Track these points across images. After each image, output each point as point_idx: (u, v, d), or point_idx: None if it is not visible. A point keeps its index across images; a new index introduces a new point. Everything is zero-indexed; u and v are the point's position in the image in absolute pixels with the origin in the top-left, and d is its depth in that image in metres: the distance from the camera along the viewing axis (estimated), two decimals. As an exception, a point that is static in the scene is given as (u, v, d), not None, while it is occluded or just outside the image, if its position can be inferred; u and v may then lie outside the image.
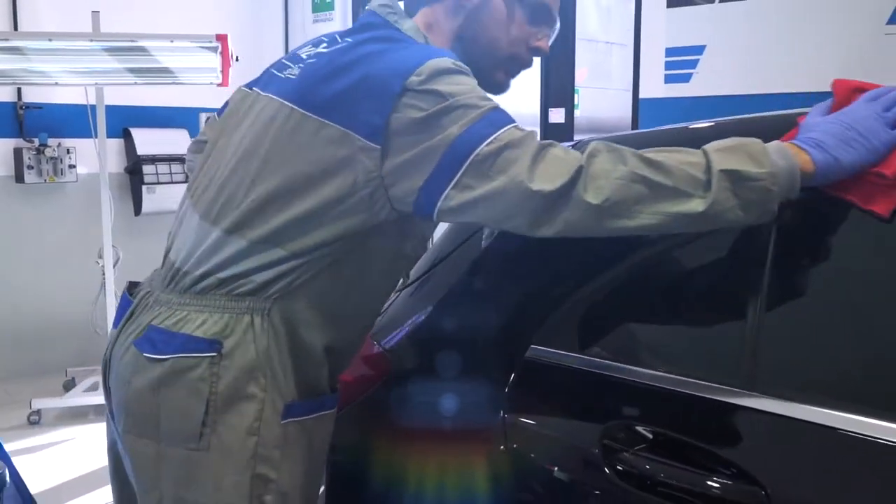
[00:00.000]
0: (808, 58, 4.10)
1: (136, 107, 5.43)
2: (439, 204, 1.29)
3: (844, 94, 1.32)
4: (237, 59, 4.70)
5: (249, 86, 1.57)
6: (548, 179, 1.23)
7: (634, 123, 4.84)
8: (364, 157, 1.31)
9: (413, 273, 1.73)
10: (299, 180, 1.35)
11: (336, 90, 1.34)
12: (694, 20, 4.48)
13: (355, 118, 1.31)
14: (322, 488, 1.62)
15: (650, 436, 1.28)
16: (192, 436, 1.34)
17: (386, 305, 1.71)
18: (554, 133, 5.23)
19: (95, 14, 4.43)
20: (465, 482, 1.58)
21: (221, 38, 4.51)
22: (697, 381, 1.27)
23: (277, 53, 6.20)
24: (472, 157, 1.26)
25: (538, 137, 1.29)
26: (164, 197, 5.41)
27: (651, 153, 1.23)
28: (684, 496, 1.19)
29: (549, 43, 1.59)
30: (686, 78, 4.54)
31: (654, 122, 4.65)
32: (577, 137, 5.02)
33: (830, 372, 1.22)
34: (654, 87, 4.65)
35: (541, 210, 1.24)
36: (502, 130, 1.28)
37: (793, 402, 1.17)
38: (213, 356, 1.34)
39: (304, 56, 1.48)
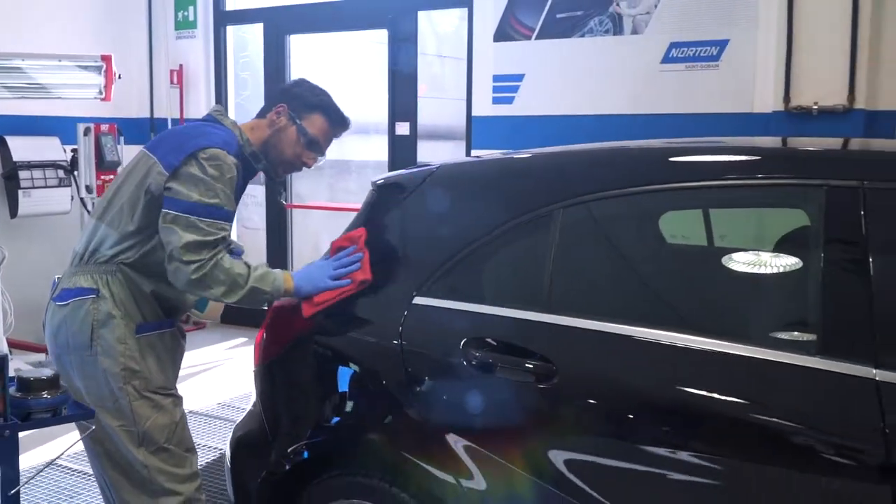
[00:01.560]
0: (605, 87, 5.14)
1: (10, 116, 5.79)
2: (166, 211, 2.35)
3: (340, 244, 2.45)
4: (119, 77, 5.21)
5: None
6: (195, 254, 2.32)
7: (468, 135, 5.72)
8: (157, 181, 2.37)
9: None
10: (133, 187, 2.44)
11: (166, 141, 2.47)
12: (515, 53, 5.43)
13: (169, 155, 2.37)
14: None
15: (494, 343, 2.13)
16: (85, 345, 2.39)
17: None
18: (401, 144, 6.06)
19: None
20: (372, 390, 2.37)
21: (106, 59, 5.02)
22: (511, 309, 2.13)
23: (142, 69, 6.69)
24: (186, 213, 2.32)
25: (227, 235, 2.38)
26: (40, 200, 5.81)
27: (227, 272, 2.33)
28: (509, 368, 2.05)
29: (316, 164, 2.64)
30: (510, 100, 5.49)
31: (485, 136, 5.58)
32: (419, 143, 5.87)
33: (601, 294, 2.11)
34: (484, 106, 5.57)
35: (182, 251, 2.31)
36: (212, 220, 2.33)
37: (578, 317, 2.05)
38: (93, 297, 2.40)
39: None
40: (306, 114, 2.57)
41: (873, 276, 1.83)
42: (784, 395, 1.84)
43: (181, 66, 6.74)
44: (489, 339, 2.15)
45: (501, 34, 5.47)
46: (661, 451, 1.91)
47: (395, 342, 2.26)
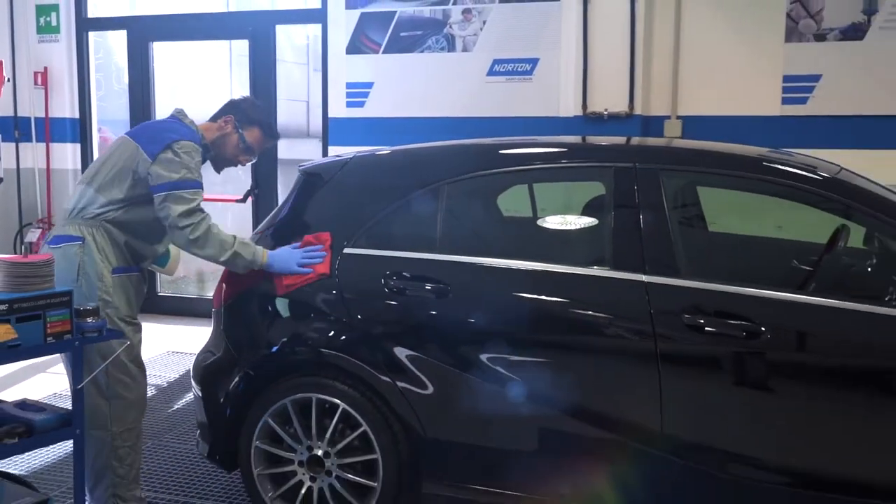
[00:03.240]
0: (441, 94, 6.24)
1: None
2: (157, 194, 3.15)
3: (308, 240, 3.29)
4: (8, 80, 5.69)
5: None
6: (191, 217, 3.16)
7: (325, 134, 6.65)
8: (142, 165, 3.16)
9: (275, 218, 3.44)
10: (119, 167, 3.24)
11: (146, 133, 3.27)
12: (365, 64, 6.43)
13: (150, 145, 3.17)
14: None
15: (408, 275, 3.14)
16: (72, 279, 3.08)
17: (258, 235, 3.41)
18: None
19: None
20: (316, 313, 3.31)
21: (-6, 63, 5.48)
22: (415, 252, 3.16)
23: (5, 69, 7.09)
24: (174, 189, 3.12)
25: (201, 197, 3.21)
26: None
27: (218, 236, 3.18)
28: (417, 290, 3.08)
29: (250, 163, 3.58)
30: (361, 104, 6.48)
31: (340, 135, 6.53)
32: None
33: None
34: (339, 109, 6.53)
35: (179, 218, 3.14)
36: (193, 190, 3.16)
37: (460, 255, 3.11)
38: (80, 243, 3.16)
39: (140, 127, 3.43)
40: (247, 126, 3.42)
41: (642, 224, 3.01)
42: (594, 293, 2.99)
43: (46, 68, 7.20)
44: (404, 273, 3.17)
45: (353, 48, 6.44)
46: (523, 335, 3.01)
47: (335, 279, 3.23)
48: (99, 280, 3.16)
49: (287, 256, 3.27)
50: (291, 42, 10.12)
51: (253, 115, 3.45)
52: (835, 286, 3.07)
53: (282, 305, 3.34)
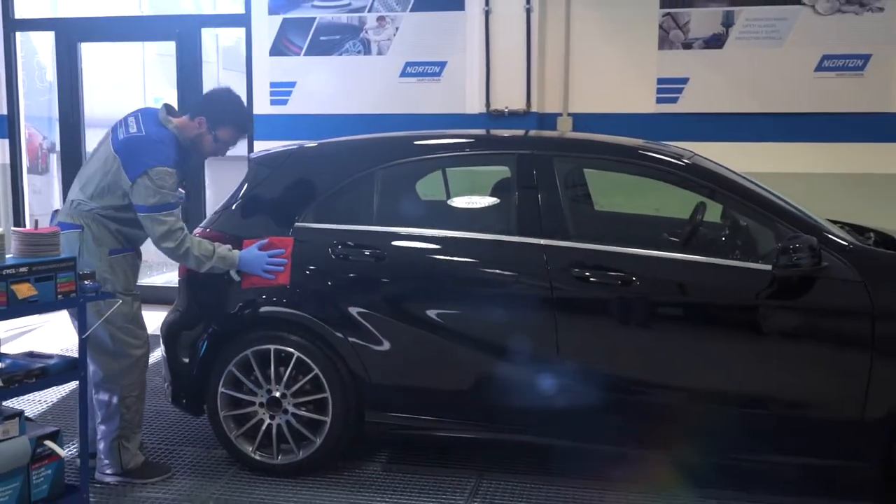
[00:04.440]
0: (359, 93, 6.89)
1: None
2: (139, 213, 3.66)
3: (272, 241, 3.88)
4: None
5: (113, 128, 3.82)
6: (170, 240, 3.70)
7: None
8: (125, 183, 3.66)
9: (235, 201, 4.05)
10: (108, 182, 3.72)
11: (127, 153, 3.67)
12: (288, 65, 7.02)
13: (129, 166, 3.64)
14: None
15: (351, 244, 3.81)
16: (76, 257, 3.43)
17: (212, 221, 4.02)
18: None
19: None
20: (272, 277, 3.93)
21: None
22: (356, 225, 3.84)
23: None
24: (152, 213, 3.63)
25: (180, 220, 3.72)
26: None
27: (197, 252, 3.74)
28: (359, 256, 3.76)
29: (222, 154, 3.97)
30: (284, 102, 7.07)
31: (265, 130, 7.07)
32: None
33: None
34: (263, 106, 7.10)
35: (160, 239, 3.70)
36: (167, 212, 3.65)
37: (392, 227, 3.80)
38: (79, 231, 3.69)
39: (130, 124, 3.79)
40: (220, 126, 3.82)
41: (539, 199, 3.76)
42: (503, 254, 3.72)
43: (-26, 67, 7.51)
44: (347, 242, 3.84)
45: (276, 50, 7.03)
46: (447, 291, 3.73)
47: (288, 249, 3.88)
48: (98, 261, 3.66)
49: (254, 260, 3.82)
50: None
51: (223, 116, 3.85)
52: (693, 248, 3.90)
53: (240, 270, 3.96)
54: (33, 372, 3.18)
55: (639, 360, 3.60)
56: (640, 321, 3.65)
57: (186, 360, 4.00)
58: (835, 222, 3.92)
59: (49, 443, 3.21)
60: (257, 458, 3.92)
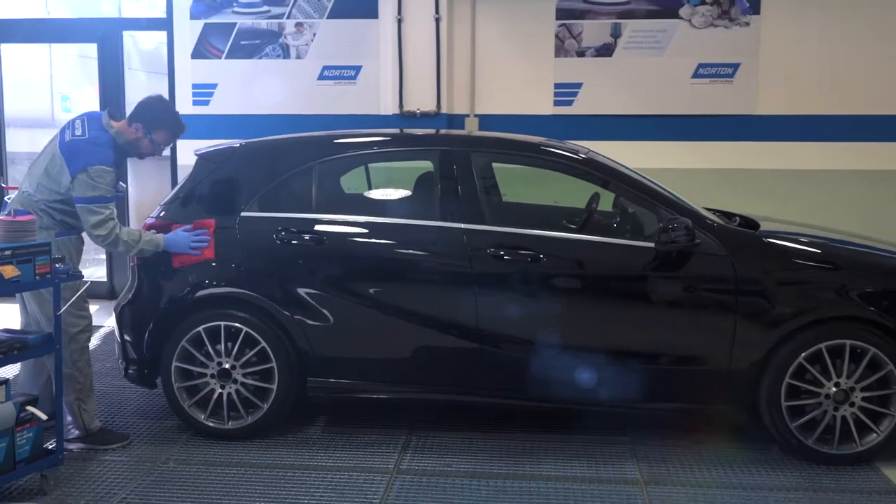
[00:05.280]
0: (279, 95, 7.30)
1: None
2: (77, 204, 4.11)
3: (197, 223, 4.39)
4: None
5: (62, 129, 4.22)
6: (101, 228, 4.14)
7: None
8: (66, 179, 4.12)
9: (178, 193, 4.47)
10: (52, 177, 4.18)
11: (70, 154, 4.12)
12: (209, 68, 7.38)
13: (70, 164, 4.09)
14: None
15: (293, 230, 4.29)
16: (50, 242, 3.87)
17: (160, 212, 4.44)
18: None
19: None
20: (222, 262, 4.37)
21: None
22: (298, 213, 4.33)
23: None
24: (88, 204, 4.08)
25: (114, 212, 4.20)
26: None
27: (125, 238, 4.22)
28: (301, 241, 4.26)
29: (159, 154, 4.53)
30: (206, 102, 7.43)
31: (189, 130, 7.38)
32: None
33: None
34: (186, 107, 7.42)
35: (93, 227, 4.14)
36: (102, 204, 4.12)
37: (329, 214, 4.30)
38: (32, 217, 3.99)
39: (76, 127, 4.22)
40: (155, 130, 4.31)
41: (459, 189, 4.33)
42: (429, 236, 4.28)
43: None
44: (290, 229, 4.31)
45: (197, 53, 7.38)
46: (379, 270, 4.26)
47: (235, 234, 4.32)
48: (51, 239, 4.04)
49: (180, 241, 4.30)
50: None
51: (157, 122, 4.30)
52: (590, 229, 4.54)
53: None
54: (14, 345, 3.54)
55: (547, 325, 4.21)
56: (547, 292, 4.26)
57: (140, 338, 4.40)
58: (708, 209, 4.64)
59: (31, 408, 3.59)
60: (210, 424, 4.35)
